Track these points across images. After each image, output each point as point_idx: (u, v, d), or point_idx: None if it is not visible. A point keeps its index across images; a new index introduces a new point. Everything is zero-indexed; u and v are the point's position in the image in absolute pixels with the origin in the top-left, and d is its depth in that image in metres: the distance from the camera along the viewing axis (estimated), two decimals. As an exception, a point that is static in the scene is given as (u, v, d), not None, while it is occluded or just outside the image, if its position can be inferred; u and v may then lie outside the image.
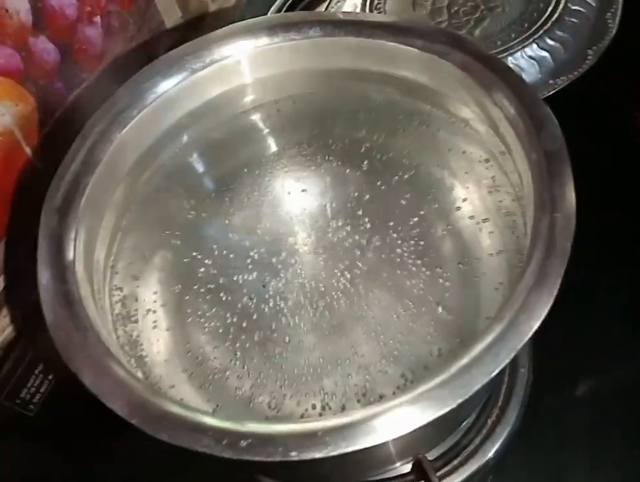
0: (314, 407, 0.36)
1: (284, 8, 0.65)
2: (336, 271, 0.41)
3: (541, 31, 0.52)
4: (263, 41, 0.40)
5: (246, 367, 0.38)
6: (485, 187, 0.39)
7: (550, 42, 0.52)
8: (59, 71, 0.52)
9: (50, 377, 0.51)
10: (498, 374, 0.28)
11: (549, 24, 0.53)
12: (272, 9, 0.65)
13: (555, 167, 0.31)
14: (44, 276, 0.34)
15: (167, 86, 0.39)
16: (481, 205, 0.39)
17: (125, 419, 0.29)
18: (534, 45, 0.52)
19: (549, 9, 0.54)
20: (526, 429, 0.43)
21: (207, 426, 0.28)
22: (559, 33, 0.52)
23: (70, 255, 0.34)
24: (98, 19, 0.55)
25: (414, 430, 0.27)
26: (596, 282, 0.47)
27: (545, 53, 0.51)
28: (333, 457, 0.27)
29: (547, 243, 0.29)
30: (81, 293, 0.33)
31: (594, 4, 0.54)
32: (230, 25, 0.40)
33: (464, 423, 0.42)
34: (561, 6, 0.54)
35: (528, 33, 0.53)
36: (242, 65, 0.40)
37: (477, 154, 0.38)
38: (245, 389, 0.38)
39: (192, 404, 0.35)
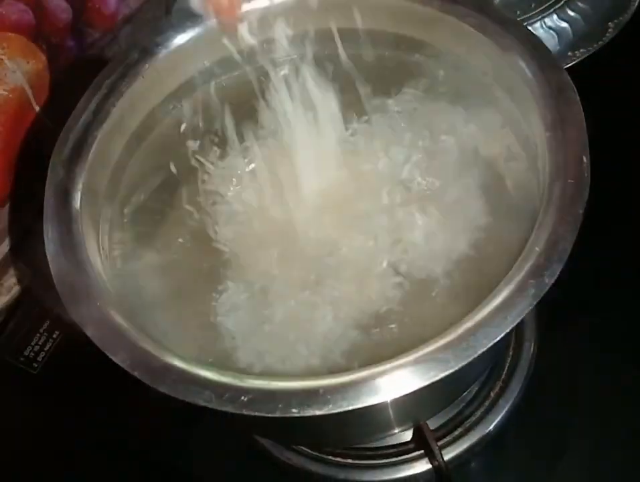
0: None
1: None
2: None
3: (561, 2, 0.52)
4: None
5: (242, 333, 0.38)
6: (499, 154, 0.38)
7: (570, 13, 0.51)
8: (71, 30, 0.51)
9: (54, 335, 0.51)
10: (502, 342, 0.28)
11: (569, -5, 0.52)
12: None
13: (571, 133, 0.31)
14: (50, 228, 0.34)
15: (180, 40, 0.38)
16: (494, 172, 0.38)
17: (127, 371, 0.29)
18: (554, 16, 0.51)
19: (571, -20, 0.53)
20: (529, 403, 0.42)
21: (209, 380, 0.28)
22: (580, 4, 0.51)
23: (77, 208, 0.34)
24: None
25: (416, 392, 0.27)
26: (603, 259, 0.46)
27: (564, 25, 0.50)
28: (333, 416, 0.27)
29: (559, 209, 0.29)
30: (86, 246, 0.33)
31: (616, -24, 0.53)
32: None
33: (467, 393, 0.41)
34: (583, -23, 0.53)
35: (548, 3, 0.52)
36: (253, 22, 0.39)
37: (493, 120, 0.38)
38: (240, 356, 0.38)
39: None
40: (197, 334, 0.36)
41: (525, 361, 0.43)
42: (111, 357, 0.29)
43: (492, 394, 0.42)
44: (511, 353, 0.43)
